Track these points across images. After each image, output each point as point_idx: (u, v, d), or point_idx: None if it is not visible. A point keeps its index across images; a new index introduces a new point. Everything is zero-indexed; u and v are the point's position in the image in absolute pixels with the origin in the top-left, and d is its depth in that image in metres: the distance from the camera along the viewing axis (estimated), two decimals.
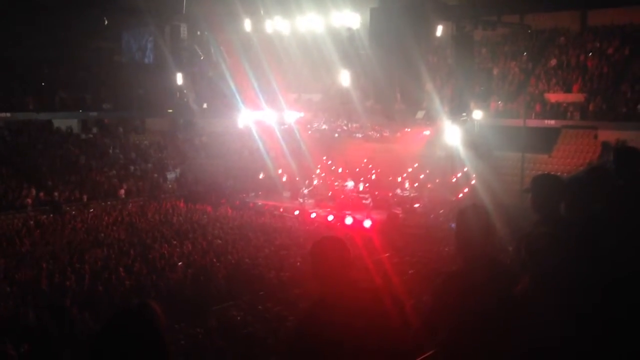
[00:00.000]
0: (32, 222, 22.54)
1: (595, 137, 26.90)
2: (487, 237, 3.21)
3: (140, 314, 2.02)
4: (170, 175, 31.60)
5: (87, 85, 33.36)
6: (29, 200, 25.08)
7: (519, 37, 32.51)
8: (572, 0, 28.88)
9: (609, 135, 25.73)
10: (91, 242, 19.57)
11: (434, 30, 28.87)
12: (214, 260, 17.24)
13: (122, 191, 28.27)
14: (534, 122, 27.82)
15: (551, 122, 28.09)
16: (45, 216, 23.88)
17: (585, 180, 4.16)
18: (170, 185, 30.82)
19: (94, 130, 33.45)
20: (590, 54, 29.80)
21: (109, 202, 26.99)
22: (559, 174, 23.05)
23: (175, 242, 19.41)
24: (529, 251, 3.01)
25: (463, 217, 3.25)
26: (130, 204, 26.86)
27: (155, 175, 31.10)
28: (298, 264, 16.93)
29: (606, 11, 30.25)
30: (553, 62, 30.78)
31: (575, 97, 28.32)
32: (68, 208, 25.39)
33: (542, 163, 27.29)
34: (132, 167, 31.02)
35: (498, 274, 3.17)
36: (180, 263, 16.85)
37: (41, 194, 25.88)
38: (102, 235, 20.44)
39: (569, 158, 27.10)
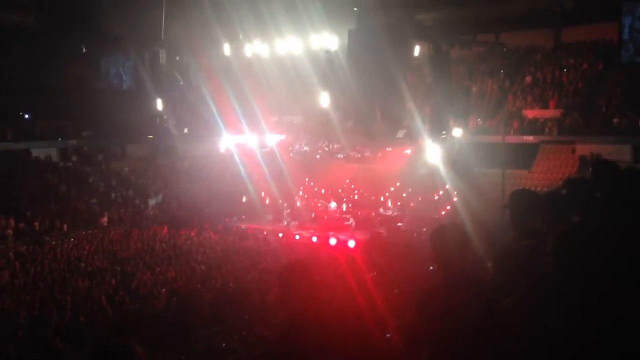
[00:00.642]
0: (11, 254, 22.15)
1: (573, 151, 27.26)
2: (464, 254, 3.22)
3: (121, 355, 1.99)
4: (152, 202, 31.36)
5: (66, 113, 33.14)
6: (10, 232, 24.70)
7: (495, 55, 32.99)
8: (545, 19, 29.39)
9: (587, 149, 26.10)
10: (72, 272, 19.26)
11: (412, 50, 29.14)
12: (198, 286, 17.06)
13: (104, 219, 27.97)
14: (512, 139, 28.12)
15: (530, 138, 28.44)
16: (25, 247, 23.49)
17: (562, 193, 4.20)
18: (152, 212, 30.56)
19: (74, 158, 33.17)
20: (565, 70, 30.32)
21: (90, 231, 26.64)
22: (539, 189, 23.32)
23: (158, 269, 19.20)
24: (505, 264, 3.03)
25: (439, 236, 3.25)
26: (112, 232, 26.54)
27: (137, 201, 30.85)
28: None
29: (579, 28, 30.85)
30: (529, 79, 31.27)
31: (552, 112, 28.75)
32: (48, 238, 25.02)
33: (522, 178, 27.54)
34: (112, 195, 30.75)
35: (478, 290, 3.17)
36: (163, 290, 16.65)
37: (21, 224, 25.51)
38: (83, 264, 20.14)
39: (548, 173, 27.39)
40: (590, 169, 4.48)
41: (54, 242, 24.48)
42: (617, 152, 23.77)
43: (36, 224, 25.82)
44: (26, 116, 31.60)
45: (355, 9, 26.06)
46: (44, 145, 31.64)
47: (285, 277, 3.03)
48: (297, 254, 21.01)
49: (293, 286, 2.98)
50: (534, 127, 28.68)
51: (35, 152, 31.47)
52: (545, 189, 23.51)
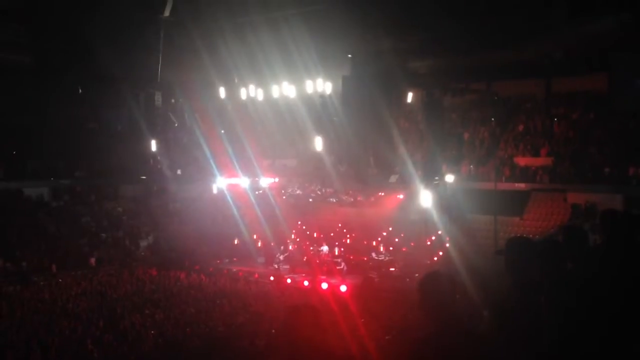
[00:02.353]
0: None
1: (565, 199, 27.40)
2: (453, 303, 3.18)
3: None
4: (143, 243, 31.14)
5: (60, 153, 33.17)
6: None
7: (487, 103, 33.45)
8: (536, 68, 29.94)
9: (579, 197, 26.27)
10: (58, 313, 18.96)
11: (405, 96, 29.61)
12: (187, 329, 16.80)
13: (93, 260, 27.68)
14: (504, 186, 28.27)
15: (521, 186, 28.59)
16: (12, 287, 23.14)
17: (558, 240, 4.21)
18: (143, 253, 30.30)
19: (65, 198, 33.02)
20: (556, 119, 30.74)
21: (79, 272, 26.31)
22: (531, 236, 23.33)
23: (147, 311, 18.92)
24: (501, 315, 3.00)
25: (427, 284, 3.22)
26: (101, 273, 26.23)
27: (127, 242, 30.60)
28: (273, 331, 16.56)
29: (569, 79, 31.40)
30: (520, 127, 31.65)
31: (543, 160, 29.00)
32: (36, 278, 24.69)
33: (514, 226, 27.58)
34: (103, 235, 30.51)
35: (471, 339, 3.13)
36: (152, 332, 16.37)
37: (8, 264, 25.20)
38: (70, 305, 19.83)
39: (540, 220, 27.46)
40: (599, 219, 4.50)
41: (42, 283, 24.16)
42: (609, 201, 23.88)
43: (24, 263, 25.51)
44: (18, 155, 31.51)
45: (349, 55, 26.52)
46: (36, 185, 31.51)
47: (291, 321, 2.96)
48: (288, 298, 20.80)
49: (298, 330, 2.93)
50: (526, 174, 28.89)
51: (27, 192, 31.32)
52: (537, 236, 23.56)
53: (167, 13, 26.70)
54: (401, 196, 28.65)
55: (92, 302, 20.59)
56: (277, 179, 33.30)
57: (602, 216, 4.54)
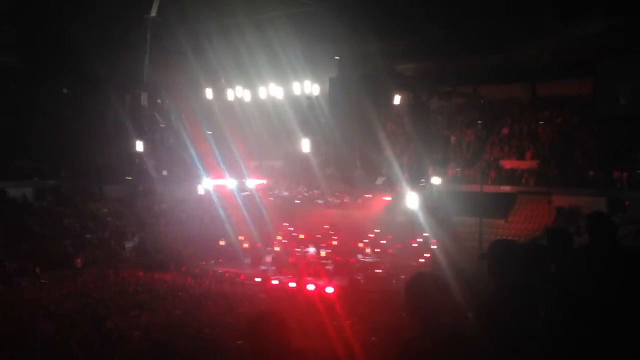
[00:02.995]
0: None
1: (550, 202, 27.64)
2: (440, 304, 3.20)
3: None
4: (129, 244, 30.93)
5: (45, 153, 32.87)
6: None
7: (473, 106, 33.66)
8: (522, 72, 30.20)
9: (563, 200, 26.51)
10: (41, 315, 18.76)
11: (392, 99, 29.68)
12: (173, 331, 16.70)
13: (78, 261, 27.43)
14: (490, 188, 28.49)
15: (507, 188, 28.81)
16: None
17: (542, 243, 4.25)
18: (128, 254, 30.10)
19: (49, 198, 32.73)
20: (541, 122, 31.00)
21: (63, 273, 26.07)
22: (515, 238, 23.52)
23: (132, 312, 18.79)
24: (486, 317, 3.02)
25: (414, 285, 3.24)
26: (86, 274, 26.00)
27: (113, 243, 30.39)
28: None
29: (554, 83, 31.70)
30: (506, 130, 31.89)
31: (528, 164, 29.26)
32: (19, 279, 24.43)
33: (499, 228, 27.78)
34: (88, 236, 30.27)
35: (456, 340, 3.15)
36: (136, 334, 16.26)
37: None
38: (53, 306, 19.64)
39: (525, 223, 27.67)
40: (586, 222, 4.53)
41: (24, 284, 23.91)
42: (593, 204, 24.10)
43: (7, 264, 25.24)
44: (2, 155, 31.18)
45: (336, 57, 26.55)
46: (20, 185, 31.21)
47: (257, 328, 2.94)
48: (274, 300, 20.79)
49: (266, 337, 2.90)
50: (511, 177, 29.12)
51: (11, 192, 31.00)
52: (522, 239, 23.76)
53: (153, 14, 26.55)
54: (388, 198, 28.76)
55: (76, 303, 20.40)
56: (264, 181, 33.25)
57: (588, 218, 4.58)
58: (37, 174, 31.83)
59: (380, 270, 25.74)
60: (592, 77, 28.40)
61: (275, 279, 25.03)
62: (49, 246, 27.92)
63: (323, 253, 27.48)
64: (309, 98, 29.07)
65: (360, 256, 26.87)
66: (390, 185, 28.60)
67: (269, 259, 27.66)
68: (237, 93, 31.98)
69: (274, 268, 27.10)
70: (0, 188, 30.55)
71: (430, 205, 26.34)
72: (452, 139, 32.22)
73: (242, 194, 32.16)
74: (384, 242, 27.83)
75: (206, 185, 32.96)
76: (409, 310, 3.21)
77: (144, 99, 34.07)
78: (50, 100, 33.00)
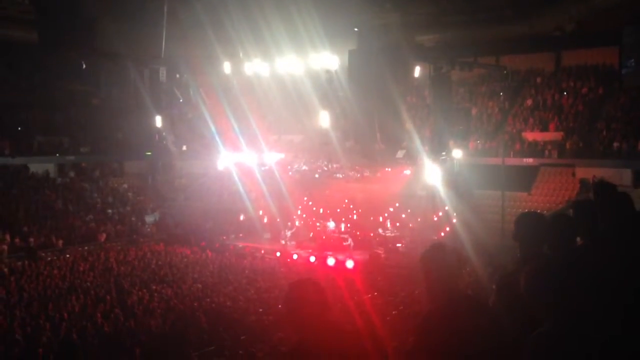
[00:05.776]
0: (6, 270, 21.89)
1: (573, 174, 27.20)
2: (457, 276, 3.08)
3: None
4: (149, 219, 31.21)
5: (65, 129, 33.13)
6: (5, 247, 24.48)
7: (495, 77, 33.08)
8: (546, 42, 29.50)
9: (587, 172, 26.04)
10: (67, 288, 19.03)
11: (412, 71, 29.30)
12: (194, 304, 16.84)
13: (100, 236, 27.76)
14: (512, 161, 28.07)
15: (530, 161, 28.38)
16: (20, 262, 23.26)
17: (569, 216, 4.09)
18: (149, 229, 30.38)
19: (71, 174, 33.06)
20: (565, 93, 30.38)
21: (85, 247, 26.43)
22: (539, 211, 23.18)
23: (154, 286, 18.98)
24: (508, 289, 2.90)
25: (430, 258, 3.11)
26: (108, 249, 26.33)
27: (134, 218, 30.67)
28: (280, 306, 16.59)
29: (579, 52, 30.98)
30: (529, 101, 31.32)
31: (552, 135, 28.74)
32: (43, 254, 24.81)
33: (522, 201, 27.44)
34: (110, 211, 30.58)
35: (478, 312, 3.04)
36: (159, 308, 16.43)
37: (16, 239, 25.31)
38: (78, 281, 19.92)
39: (548, 196, 27.29)
40: (593, 192, 4.34)
41: (49, 258, 24.27)
42: (618, 176, 23.70)
43: (31, 239, 25.61)
44: (24, 131, 31.47)
45: (355, 29, 26.15)
46: (41, 161, 31.55)
47: (295, 296, 2.88)
48: (294, 274, 20.82)
49: (303, 303, 2.84)
50: (534, 149, 28.65)
51: (33, 168, 31.37)
52: (546, 211, 23.43)
53: None
54: (408, 172, 28.48)
55: (100, 277, 20.67)
56: (283, 155, 33.14)
57: (595, 190, 4.34)
58: (57, 150, 32.12)
59: (401, 245, 25.64)
60: (617, 46, 27.70)
61: (295, 254, 25.09)
62: (71, 221, 28.26)
63: (343, 227, 27.43)
64: (327, 71, 28.77)
65: (380, 230, 26.77)
66: (411, 159, 28.32)
67: (289, 233, 27.70)
68: (256, 66, 31.80)
69: (294, 243, 27.15)
70: (22, 164, 30.92)
71: (451, 179, 26.05)
72: (474, 110, 31.75)
73: (261, 168, 32.12)
74: (404, 216, 27.68)
75: (225, 160, 32.98)
76: (427, 280, 3.10)
77: (162, 74, 34.12)
78: (69, 75, 33.13)
